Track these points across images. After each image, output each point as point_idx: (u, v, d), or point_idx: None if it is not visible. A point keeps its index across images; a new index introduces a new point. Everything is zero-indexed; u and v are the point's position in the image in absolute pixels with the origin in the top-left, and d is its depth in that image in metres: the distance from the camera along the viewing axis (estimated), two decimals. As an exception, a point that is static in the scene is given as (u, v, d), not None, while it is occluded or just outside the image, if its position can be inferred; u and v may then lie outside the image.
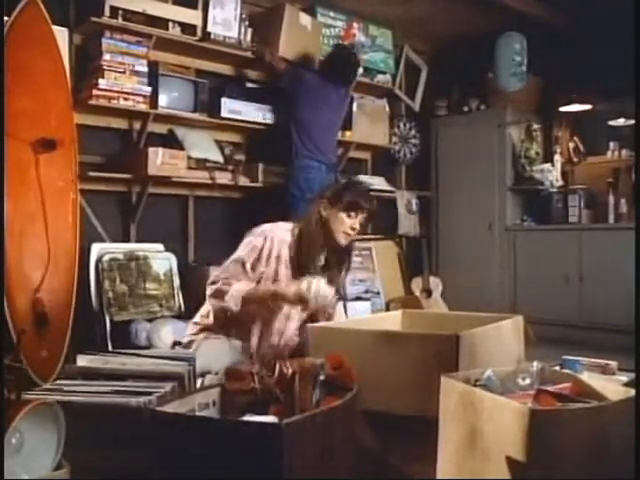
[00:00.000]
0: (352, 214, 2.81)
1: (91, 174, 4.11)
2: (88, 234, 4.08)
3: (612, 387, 1.88)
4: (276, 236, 2.80)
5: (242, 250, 2.79)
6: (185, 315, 4.09)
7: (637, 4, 3.21)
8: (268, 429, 1.53)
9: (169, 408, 1.68)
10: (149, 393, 1.85)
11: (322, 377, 1.82)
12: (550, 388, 1.86)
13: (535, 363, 2.07)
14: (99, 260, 4.10)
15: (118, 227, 4.57)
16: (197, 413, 1.77)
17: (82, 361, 2.21)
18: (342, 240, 2.83)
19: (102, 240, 4.33)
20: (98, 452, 1.73)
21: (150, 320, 4.16)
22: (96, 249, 4.15)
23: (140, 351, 2.55)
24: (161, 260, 4.35)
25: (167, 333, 4.01)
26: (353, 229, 2.82)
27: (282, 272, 2.79)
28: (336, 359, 1.88)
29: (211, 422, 1.68)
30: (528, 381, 1.91)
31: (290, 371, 1.83)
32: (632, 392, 1.75)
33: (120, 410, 1.78)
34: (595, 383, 1.90)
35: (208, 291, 2.75)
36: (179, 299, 4.33)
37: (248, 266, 2.74)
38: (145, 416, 1.69)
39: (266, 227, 2.85)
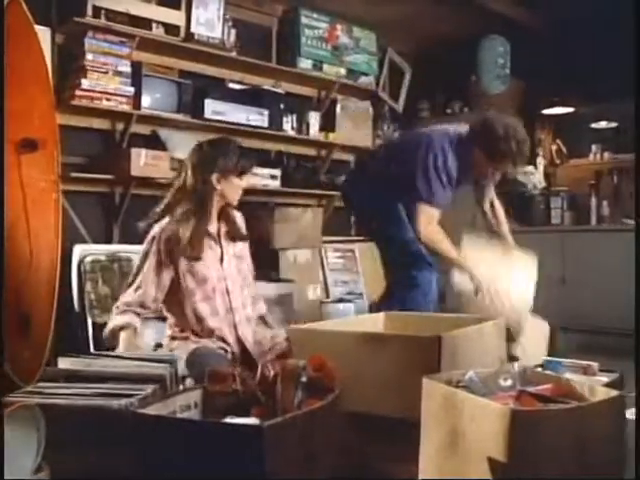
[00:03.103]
0: (243, 176, 2.86)
1: (73, 175, 4.09)
2: (70, 235, 4.04)
3: (593, 388, 1.89)
4: (165, 232, 2.74)
5: (140, 260, 2.78)
6: (168, 317, 4.06)
7: (637, 4, 3.24)
8: (249, 431, 1.53)
9: (151, 410, 1.67)
10: (131, 395, 1.84)
11: (304, 379, 1.82)
12: (531, 389, 1.87)
13: (516, 364, 2.09)
14: (81, 261, 4.08)
15: (101, 228, 4.54)
16: (179, 415, 1.76)
17: (63, 363, 2.19)
18: (235, 202, 2.89)
19: (84, 241, 4.31)
20: (79, 455, 1.72)
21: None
22: (78, 250, 4.12)
23: (122, 353, 2.53)
24: (142, 262, 4.32)
25: (149, 335, 3.99)
26: (244, 188, 2.89)
27: (194, 263, 2.76)
28: (318, 361, 1.88)
29: (192, 424, 1.68)
30: (510, 382, 1.92)
31: (272, 373, 1.83)
32: (613, 392, 1.76)
33: (101, 412, 1.77)
34: (575, 384, 1.91)
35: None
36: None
37: (151, 275, 2.72)
38: (126, 418, 1.68)
39: (156, 227, 2.78)
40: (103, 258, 4.17)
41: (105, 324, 3.95)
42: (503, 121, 3.29)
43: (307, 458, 1.62)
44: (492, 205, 3.67)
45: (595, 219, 5.70)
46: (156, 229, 2.77)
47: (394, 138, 3.74)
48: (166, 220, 2.78)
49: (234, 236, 2.91)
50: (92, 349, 3.86)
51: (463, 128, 3.45)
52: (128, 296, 2.73)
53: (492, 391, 1.87)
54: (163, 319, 3.69)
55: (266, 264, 4.86)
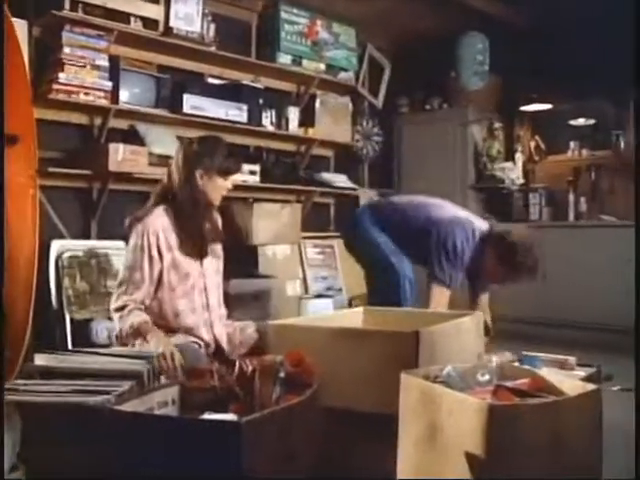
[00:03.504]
0: (228, 177, 2.84)
1: (51, 170, 4.05)
2: (48, 231, 4.01)
3: (570, 382, 1.91)
4: (153, 226, 2.72)
5: (132, 255, 2.73)
6: (147, 313, 4.05)
7: (637, 4, 3.26)
8: (227, 427, 1.53)
9: (128, 407, 1.67)
10: (108, 392, 1.82)
11: (282, 374, 1.82)
12: (509, 384, 1.88)
13: (494, 359, 2.10)
14: (59, 257, 4.05)
15: (78, 224, 4.50)
16: (156, 412, 1.75)
17: (40, 360, 2.17)
18: (217, 202, 2.89)
19: (62, 237, 4.27)
20: (55, 452, 1.70)
21: (111, 318, 4.09)
22: (56, 246, 4.09)
23: (99, 349, 2.51)
24: (122, 258, 4.27)
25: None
26: (228, 190, 2.87)
27: (178, 258, 2.75)
28: (296, 356, 1.88)
29: (170, 421, 1.67)
30: (487, 377, 1.93)
31: (250, 368, 1.83)
32: (590, 387, 1.78)
33: (78, 409, 1.75)
34: (553, 378, 1.93)
35: (119, 321, 2.68)
36: (140, 297, 4.28)
37: (146, 270, 2.70)
38: (103, 415, 1.67)
39: (145, 221, 2.74)
40: (81, 254, 4.14)
41: (84, 320, 4.00)
42: (524, 240, 3.36)
43: (285, 454, 1.62)
44: (481, 305, 3.70)
45: (573, 215, 5.76)
46: (144, 222, 2.74)
47: (413, 200, 3.78)
48: (153, 214, 2.77)
49: (213, 236, 2.91)
50: (70, 346, 3.84)
51: (485, 225, 3.54)
52: (133, 292, 2.68)
53: (470, 386, 1.88)
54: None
55: (245, 260, 4.86)
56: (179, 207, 2.77)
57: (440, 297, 3.38)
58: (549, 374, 2.02)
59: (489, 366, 1.98)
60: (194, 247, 2.79)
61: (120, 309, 2.67)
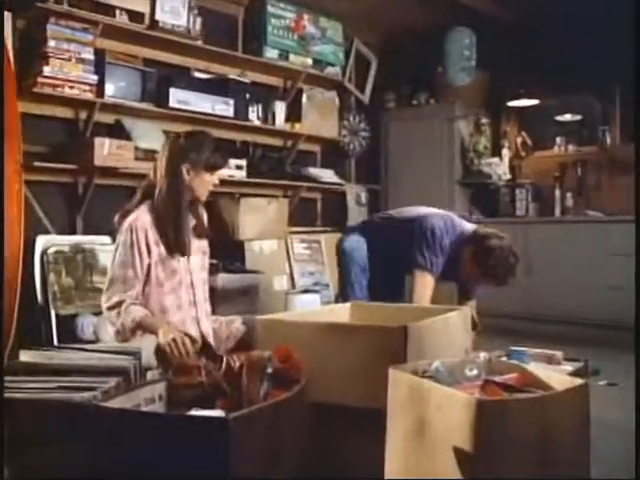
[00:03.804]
0: (215, 172, 2.83)
1: (36, 164, 4.02)
2: (33, 226, 3.99)
3: (558, 377, 1.91)
4: (140, 222, 2.71)
5: (122, 251, 2.71)
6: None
7: (637, 4, 3.28)
8: (215, 423, 1.51)
9: (114, 403, 1.64)
10: (94, 388, 1.80)
11: (270, 370, 1.80)
12: (497, 379, 1.88)
13: (482, 354, 2.10)
14: (44, 253, 4.02)
15: (64, 219, 4.47)
16: (143, 408, 1.74)
17: (25, 356, 2.15)
18: (203, 198, 2.87)
19: (47, 232, 4.24)
20: (40, 451, 1.68)
21: (97, 314, 4.08)
22: (41, 241, 4.06)
23: (86, 345, 2.49)
24: (108, 253, 4.23)
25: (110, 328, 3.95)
26: (215, 185, 2.86)
27: (164, 253, 2.74)
28: (284, 352, 1.87)
29: (157, 417, 1.65)
30: (475, 372, 1.92)
31: (237, 364, 1.81)
32: (578, 381, 1.78)
33: (64, 406, 1.73)
34: (541, 373, 1.93)
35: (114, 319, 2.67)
36: (126, 292, 4.26)
37: (138, 266, 2.68)
38: (89, 412, 1.65)
39: (129, 218, 2.74)
40: (67, 249, 4.12)
41: (70, 316, 3.97)
42: (501, 242, 3.41)
43: (273, 450, 1.61)
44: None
45: (559, 211, 5.78)
46: (131, 218, 2.73)
47: (402, 209, 3.93)
48: (140, 209, 2.75)
49: (200, 232, 2.90)
50: (56, 341, 3.81)
51: (471, 226, 3.63)
52: (127, 289, 2.66)
53: (458, 381, 1.87)
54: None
55: (232, 255, 4.84)
56: (164, 203, 2.74)
57: (422, 282, 3.45)
58: (536, 369, 2.02)
59: (477, 361, 1.98)
60: (176, 244, 2.76)
61: (116, 306, 2.65)
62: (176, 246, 2.76)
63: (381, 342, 2.10)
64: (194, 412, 1.70)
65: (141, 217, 2.72)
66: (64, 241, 4.17)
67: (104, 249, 4.26)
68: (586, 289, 5.18)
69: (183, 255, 2.79)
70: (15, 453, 1.68)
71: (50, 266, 4.01)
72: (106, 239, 4.35)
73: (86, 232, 4.46)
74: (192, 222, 2.86)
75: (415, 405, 1.74)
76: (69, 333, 3.94)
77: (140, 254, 2.69)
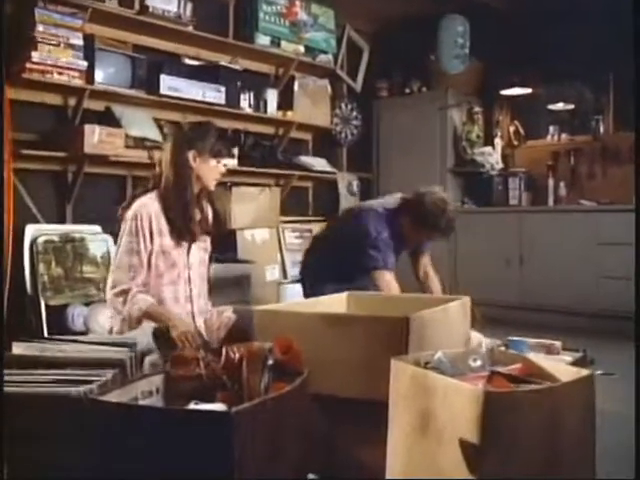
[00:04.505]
0: (220, 160, 2.84)
1: (24, 152, 3.96)
2: (22, 215, 3.93)
3: (562, 367, 1.88)
4: (145, 209, 2.70)
5: (128, 238, 2.70)
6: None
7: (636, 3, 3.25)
8: (217, 418, 1.47)
9: (111, 397, 1.60)
10: (90, 381, 1.76)
11: (270, 362, 1.76)
12: (502, 369, 1.85)
13: (484, 344, 2.07)
14: (33, 242, 3.97)
15: (53, 208, 4.41)
16: (140, 401, 1.69)
17: (18, 349, 2.10)
18: (212, 186, 2.86)
19: (37, 221, 4.19)
20: (35, 446, 1.64)
21: (87, 304, 4.05)
22: (30, 231, 4.01)
23: (80, 337, 2.45)
24: (98, 242, 4.23)
25: (105, 318, 3.90)
26: (222, 174, 2.86)
27: (167, 245, 2.74)
28: (285, 343, 1.82)
29: (155, 411, 1.61)
30: (479, 362, 1.89)
31: (237, 356, 1.76)
32: (584, 372, 1.75)
33: (59, 400, 1.69)
34: (545, 363, 1.90)
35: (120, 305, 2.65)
36: (117, 282, 4.21)
37: (143, 254, 2.68)
38: (86, 406, 1.61)
39: (135, 205, 2.73)
40: (56, 239, 4.06)
41: (60, 306, 3.92)
42: (433, 197, 3.46)
43: (276, 443, 1.57)
44: (427, 274, 3.79)
45: (552, 200, 5.76)
46: (137, 205, 2.72)
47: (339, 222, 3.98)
48: (147, 197, 2.75)
49: (203, 228, 2.88)
50: (45, 333, 3.76)
51: (391, 203, 3.64)
52: (134, 277, 2.66)
53: (461, 372, 1.84)
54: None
55: (224, 245, 4.79)
56: (172, 190, 2.74)
57: (384, 280, 3.43)
58: (538, 359, 1.99)
59: (480, 351, 1.95)
60: (182, 232, 2.75)
61: (122, 293, 2.64)
62: (183, 233, 2.75)
63: (382, 333, 2.06)
64: (193, 405, 1.66)
65: (147, 205, 2.72)
66: (54, 230, 4.12)
67: (94, 238, 4.22)
68: (579, 278, 5.17)
69: (190, 244, 2.78)
70: (11, 449, 1.63)
71: (39, 256, 3.95)
72: (97, 228, 4.30)
73: (76, 221, 4.41)
74: (197, 216, 2.84)
75: (418, 397, 1.71)
76: (59, 324, 3.89)
77: (144, 241, 2.68)
